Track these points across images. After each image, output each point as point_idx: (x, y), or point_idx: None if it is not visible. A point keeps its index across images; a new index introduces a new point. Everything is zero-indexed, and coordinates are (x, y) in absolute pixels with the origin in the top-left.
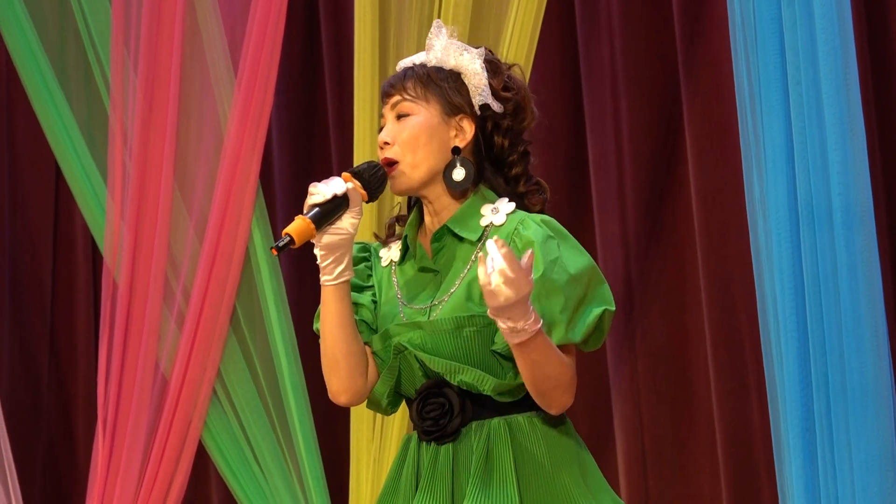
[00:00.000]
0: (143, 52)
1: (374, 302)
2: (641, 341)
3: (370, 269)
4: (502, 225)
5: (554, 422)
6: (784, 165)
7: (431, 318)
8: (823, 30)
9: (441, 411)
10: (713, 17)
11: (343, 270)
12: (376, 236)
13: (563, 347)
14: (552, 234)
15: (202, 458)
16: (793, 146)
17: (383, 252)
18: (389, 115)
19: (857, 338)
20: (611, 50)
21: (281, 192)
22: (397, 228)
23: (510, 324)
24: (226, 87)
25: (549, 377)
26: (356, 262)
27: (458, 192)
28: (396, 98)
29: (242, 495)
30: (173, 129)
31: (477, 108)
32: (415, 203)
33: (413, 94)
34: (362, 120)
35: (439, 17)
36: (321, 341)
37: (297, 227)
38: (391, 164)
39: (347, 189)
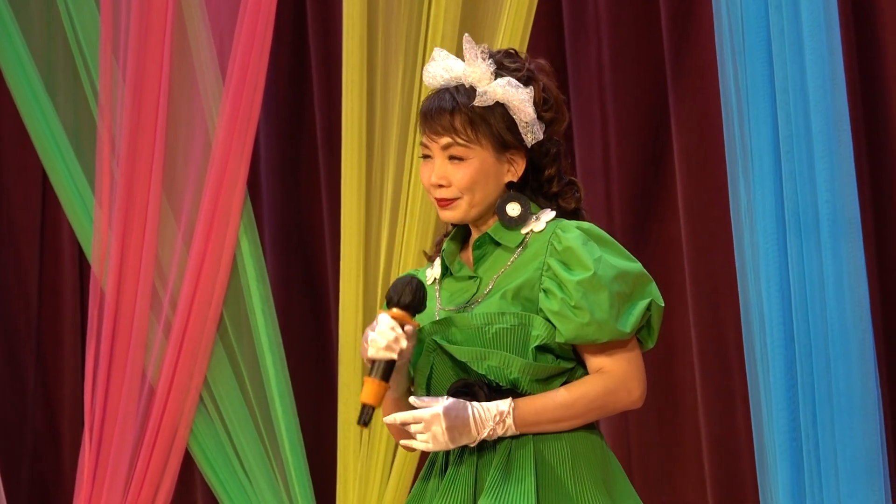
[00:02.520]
0: (132, 59)
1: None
2: None
3: None
4: (542, 231)
5: (581, 432)
6: (771, 174)
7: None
8: (811, 37)
9: None
10: (701, 25)
11: (403, 381)
12: (425, 254)
13: (616, 343)
14: (590, 238)
15: (189, 466)
16: (780, 155)
17: (429, 271)
18: (439, 154)
19: (844, 346)
20: (598, 57)
21: (269, 199)
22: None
23: (486, 434)
24: (214, 94)
25: (578, 415)
26: None
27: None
28: (447, 140)
29: (229, 502)
30: (161, 136)
31: (528, 143)
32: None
33: (465, 137)
34: (350, 127)
35: (427, 26)
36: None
37: (372, 391)
38: (450, 201)
39: (406, 334)
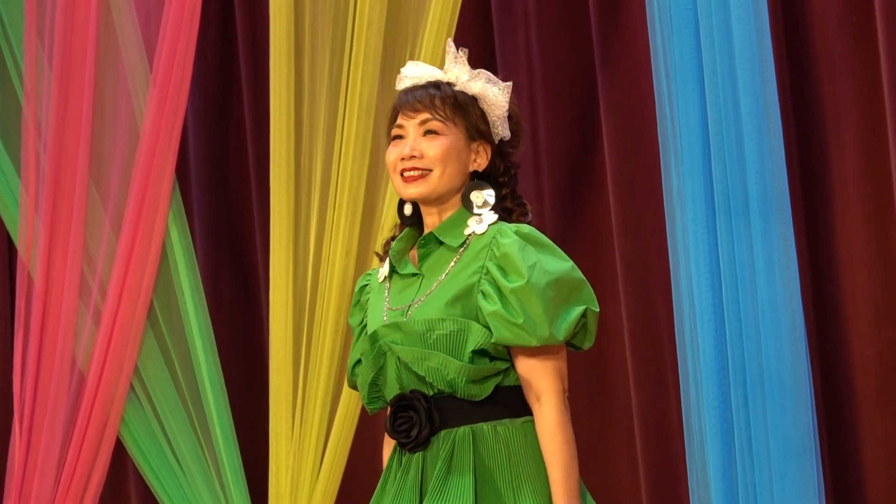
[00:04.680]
0: (58, 45)
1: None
2: None
3: (367, 303)
4: (483, 234)
5: (520, 433)
6: (700, 156)
7: (407, 318)
8: (739, 20)
9: (410, 423)
10: (630, 9)
11: None
12: (376, 254)
13: (548, 348)
14: (528, 242)
15: (120, 454)
16: (709, 137)
17: (381, 270)
18: (414, 129)
19: (775, 327)
20: (526, 42)
21: (197, 186)
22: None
23: None
24: (141, 81)
25: (571, 450)
26: (355, 301)
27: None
28: (426, 115)
29: (161, 490)
30: (88, 122)
31: (497, 138)
32: (409, 223)
33: (443, 114)
34: (278, 116)
35: (355, 11)
36: None
37: None
38: (420, 174)
39: None
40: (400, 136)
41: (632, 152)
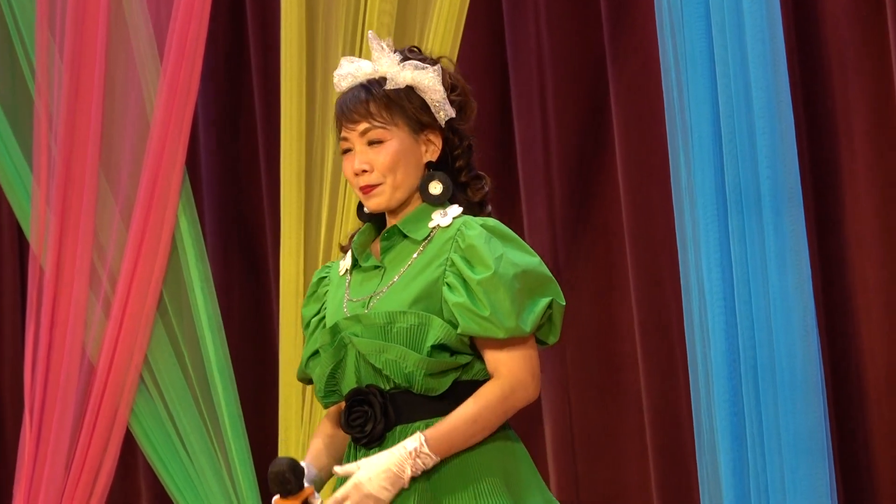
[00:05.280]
0: (69, 37)
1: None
2: (569, 326)
3: (325, 295)
4: (448, 227)
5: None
6: (711, 150)
7: (368, 309)
8: (751, 11)
9: (365, 418)
10: (640, 2)
11: None
12: (340, 246)
13: (514, 340)
14: (494, 235)
15: (130, 445)
16: (720, 130)
17: (342, 263)
18: (358, 141)
19: (786, 321)
20: (537, 30)
21: (207, 177)
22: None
23: (410, 473)
24: (151, 71)
25: (487, 425)
26: (311, 292)
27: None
28: (364, 125)
29: (170, 481)
30: (98, 113)
31: (442, 122)
32: (369, 219)
33: (381, 119)
34: (290, 105)
35: (366, 2)
36: None
37: None
38: (374, 187)
39: None
40: (349, 149)
41: (642, 144)
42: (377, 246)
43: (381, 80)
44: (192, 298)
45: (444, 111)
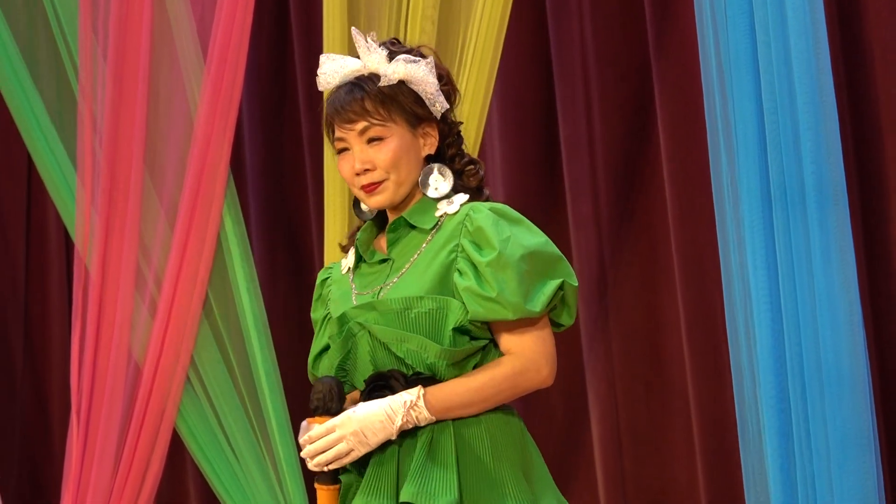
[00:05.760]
0: (112, 39)
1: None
2: (615, 322)
3: (328, 298)
4: (455, 213)
5: (499, 417)
6: (756, 147)
7: (380, 298)
8: (794, 7)
9: None
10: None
11: None
12: (341, 245)
13: (525, 321)
14: (502, 218)
15: (177, 445)
16: (764, 128)
17: (343, 262)
18: (357, 140)
19: (832, 317)
20: (581, 29)
21: (252, 177)
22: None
23: (400, 424)
24: (195, 72)
25: (489, 396)
26: (317, 295)
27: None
28: (363, 124)
29: (216, 481)
30: (143, 115)
31: (437, 114)
32: (368, 218)
33: (379, 116)
34: None
35: (409, 2)
36: None
37: (328, 499)
38: (377, 185)
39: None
40: (345, 149)
41: (687, 142)
42: (381, 241)
43: (374, 77)
44: (237, 298)
45: (439, 103)
